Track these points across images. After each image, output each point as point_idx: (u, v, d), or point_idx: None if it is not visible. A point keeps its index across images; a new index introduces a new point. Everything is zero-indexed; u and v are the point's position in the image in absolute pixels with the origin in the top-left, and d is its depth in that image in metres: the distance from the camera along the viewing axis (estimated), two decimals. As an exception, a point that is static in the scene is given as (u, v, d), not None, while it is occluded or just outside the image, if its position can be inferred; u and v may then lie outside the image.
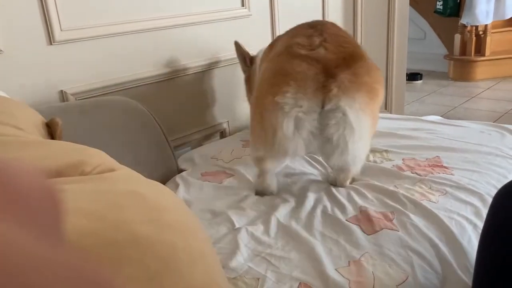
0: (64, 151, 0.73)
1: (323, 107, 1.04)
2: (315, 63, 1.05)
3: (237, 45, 1.68)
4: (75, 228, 0.46)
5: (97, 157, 0.71)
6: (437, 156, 1.37)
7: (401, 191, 1.16)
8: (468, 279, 0.87)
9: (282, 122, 1.04)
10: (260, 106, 1.11)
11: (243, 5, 1.88)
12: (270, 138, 1.08)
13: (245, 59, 1.70)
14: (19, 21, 1.27)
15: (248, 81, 1.71)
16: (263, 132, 1.11)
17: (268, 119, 1.07)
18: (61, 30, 1.34)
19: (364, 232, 1.00)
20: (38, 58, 1.32)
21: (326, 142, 1.07)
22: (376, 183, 1.22)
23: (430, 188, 1.18)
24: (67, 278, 0.17)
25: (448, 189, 1.17)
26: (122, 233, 0.49)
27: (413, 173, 1.27)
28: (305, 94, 1.03)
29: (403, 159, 1.37)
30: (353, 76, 1.05)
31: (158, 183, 0.70)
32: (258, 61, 1.59)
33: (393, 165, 1.33)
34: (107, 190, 0.59)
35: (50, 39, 1.33)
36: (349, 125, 1.04)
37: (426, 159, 1.36)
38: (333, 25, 1.26)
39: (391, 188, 1.18)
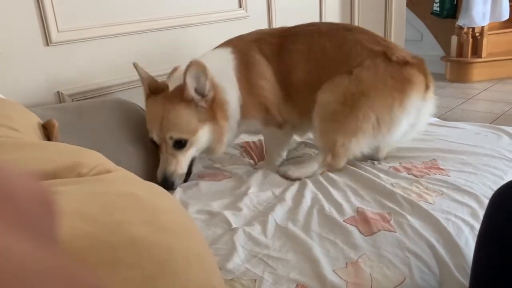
0: (61, 152, 0.73)
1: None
2: (416, 68, 1.31)
3: (138, 69, 1.30)
4: (71, 230, 0.46)
5: (94, 158, 0.71)
6: (433, 159, 1.37)
7: (398, 191, 1.16)
8: (465, 280, 0.87)
9: (402, 118, 1.30)
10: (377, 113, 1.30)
11: (240, 7, 1.88)
12: (385, 131, 1.31)
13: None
14: (16, 23, 1.27)
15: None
16: (376, 129, 1.30)
17: (388, 118, 1.29)
18: (58, 31, 1.34)
19: (362, 233, 1.00)
20: (35, 59, 1.32)
21: (412, 127, 1.36)
22: (373, 183, 1.22)
23: (427, 188, 1.19)
24: (58, 284, 0.16)
25: (444, 190, 1.17)
26: (118, 235, 0.48)
27: (409, 174, 1.27)
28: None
29: (400, 162, 1.37)
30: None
31: (155, 185, 0.69)
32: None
33: (390, 167, 1.33)
34: (104, 191, 0.59)
35: (47, 40, 1.33)
36: None
37: (423, 162, 1.36)
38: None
39: (388, 187, 1.18)
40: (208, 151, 1.36)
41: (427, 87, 1.31)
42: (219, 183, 1.31)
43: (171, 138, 1.25)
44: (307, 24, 1.44)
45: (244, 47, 1.38)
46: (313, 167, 1.33)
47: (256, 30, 1.45)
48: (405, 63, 1.29)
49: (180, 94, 1.25)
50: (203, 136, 1.29)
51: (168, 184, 1.25)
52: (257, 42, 1.38)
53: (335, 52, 1.35)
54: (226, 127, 1.32)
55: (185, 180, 1.32)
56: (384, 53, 1.31)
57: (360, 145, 1.32)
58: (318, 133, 1.36)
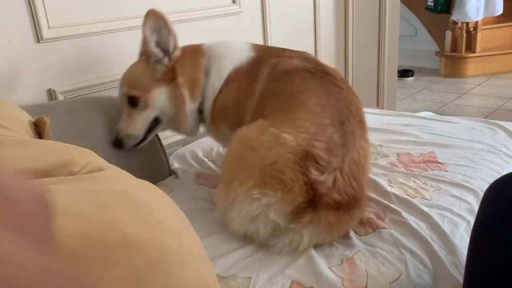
0: (52, 150, 0.72)
1: None
2: (310, 192, 0.94)
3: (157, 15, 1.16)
4: (62, 230, 0.45)
5: (86, 156, 0.70)
6: (431, 151, 1.37)
7: (395, 187, 1.16)
8: (459, 276, 0.87)
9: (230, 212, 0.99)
10: None
11: (234, 2, 1.87)
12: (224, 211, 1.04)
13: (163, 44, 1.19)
14: (6, 19, 1.25)
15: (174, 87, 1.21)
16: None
17: None
18: (49, 28, 1.32)
19: (357, 234, 1.00)
20: (25, 56, 1.30)
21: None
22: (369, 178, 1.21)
23: (425, 183, 1.18)
24: (52, 285, 0.16)
25: (442, 185, 1.17)
26: (110, 233, 0.48)
27: (407, 169, 1.27)
28: None
29: (397, 154, 1.36)
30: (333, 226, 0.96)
31: (147, 182, 0.68)
32: (204, 63, 1.23)
33: (388, 162, 1.32)
34: (95, 190, 0.58)
35: (38, 37, 1.31)
36: None
37: (421, 154, 1.36)
38: (361, 133, 1.08)
39: (383, 184, 1.18)
40: (174, 123, 1.28)
41: (298, 211, 0.94)
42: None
43: (125, 93, 1.22)
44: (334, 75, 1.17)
45: (263, 60, 1.22)
46: None
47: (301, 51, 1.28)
48: (307, 177, 0.94)
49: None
50: (159, 97, 1.21)
51: (116, 142, 1.23)
52: (277, 61, 1.20)
53: (295, 109, 1.07)
54: (186, 95, 1.21)
55: (137, 144, 1.25)
56: (306, 152, 0.96)
57: None
58: None
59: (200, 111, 1.27)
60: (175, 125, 1.28)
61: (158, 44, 1.19)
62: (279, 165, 0.94)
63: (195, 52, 1.25)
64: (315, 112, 1.05)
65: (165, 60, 1.20)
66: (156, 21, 1.16)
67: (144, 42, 1.18)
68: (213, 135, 1.35)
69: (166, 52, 1.20)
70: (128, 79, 1.23)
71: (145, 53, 1.20)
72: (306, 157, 0.95)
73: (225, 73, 1.23)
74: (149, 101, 1.21)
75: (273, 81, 1.17)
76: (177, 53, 1.20)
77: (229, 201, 0.97)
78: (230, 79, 1.23)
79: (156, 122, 1.26)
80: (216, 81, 1.24)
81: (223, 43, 1.29)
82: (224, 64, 1.24)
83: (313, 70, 1.16)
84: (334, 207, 0.95)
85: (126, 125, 1.23)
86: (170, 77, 1.20)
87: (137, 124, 1.23)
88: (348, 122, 1.05)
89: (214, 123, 1.27)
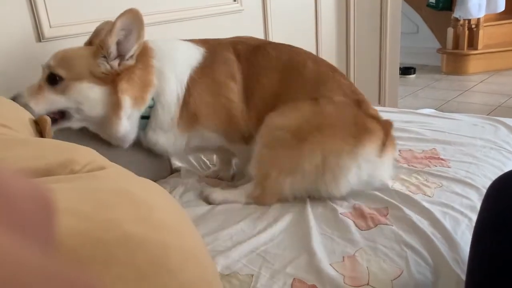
0: (53, 149, 0.72)
1: None
2: (380, 125, 1.17)
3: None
4: (62, 229, 0.45)
5: (87, 155, 0.70)
6: (433, 148, 1.37)
7: (397, 183, 1.16)
8: (461, 272, 0.87)
9: (351, 168, 1.12)
10: None
11: (235, 0, 1.87)
12: (330, 179, 1.15)
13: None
14: (7, 18, 1.25)
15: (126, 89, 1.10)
16: (320, 174, 1.12)
17: None
18: (50, 27, 1.33)
19: (358, 228, 1.00)
20: (27, 55, 1.30)
21: (364, 185, 1.21)
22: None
23: (426, 180, 1.18)
24: (53, 285, 0.16)
25: (444, 182, 1.17)
26: (111, 232, 0.48)
27: (410, 165, 1.27)
28: None
29: (399, 151, 1.36)
30: None
31: (149, 181, 0.69)
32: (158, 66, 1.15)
33: (389, 158, 1.32)
34: (97, 188, 0.58)
35: (39, 36, 1.31)
36: None
37: (423, 151, 1.36)
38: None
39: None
40: (102, 125, 1.14)
41: (383, 145, 1.13)
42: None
43: (49, 67, 1.08)
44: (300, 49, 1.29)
45: (217, 47, 1.22)
46: (239, 196, 1.15)
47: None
48: (371, 116, 1.16)
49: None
50: (82, 91, 1.07)
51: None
52: (233, 43, 1.23)
53: (311, 75, 1.19)
54: (127, 102, 1.10)
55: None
56: (356, 100, 1.18)
57: (295, 187, 1.11)
58: (254, 159, 1.14)
59: (143, 117, 1.17)
60: (105, 128, 1.15)
61: (118, 43, 1.09)
62: (358, 120, 1.13)
63: (143, 52, 1.14)
64: (321, 69, 1.22)
65: (114, 63, 1.09)
66: (132, 21, 1.07)
67: (110, 33, 1.06)
68: (164, 142, 1.21)
69: (121, 56, 1.10)
70: (63, 56, 1.09)
71: (99, 43, 1.09)
72: (360, 104, 1.17)
73: (185, 76, 1.16)
74: (70, 89, 1.07)
75: (246, 61, 1.21)
76: (131, 62, 1.11)
77: (354, 161, 1.09)
78: (196, 79, 1.17)
79: (62, 115, 1.11)
80: (176, 85, 1.15)
81: (170, 42, 1.23)
82: (181, 68, 1.17)
83: (265, 45, 1.27)
84: (388, 130, 1.17)
85: (30, 95, 1.08)
86: (110, 80, 1.09)
87: (41, 102, 1.08)
88: (335, 68, 1.27)
89: (183, 128, 1.19)
